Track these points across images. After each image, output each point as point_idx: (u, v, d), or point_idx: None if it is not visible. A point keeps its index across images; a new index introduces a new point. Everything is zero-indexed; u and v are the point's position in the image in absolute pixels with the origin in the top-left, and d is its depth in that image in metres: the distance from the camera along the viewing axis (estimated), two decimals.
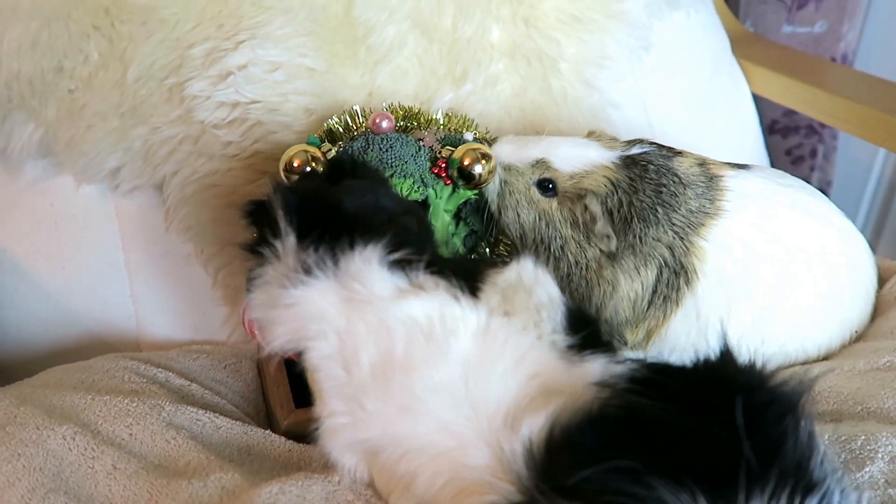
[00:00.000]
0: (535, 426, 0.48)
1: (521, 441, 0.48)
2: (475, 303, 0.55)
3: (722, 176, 0.75)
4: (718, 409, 0.44)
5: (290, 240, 0.59)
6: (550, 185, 0.74)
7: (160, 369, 0.75)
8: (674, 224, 0.72)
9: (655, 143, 0.76)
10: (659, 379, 0.48)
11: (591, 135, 0.78)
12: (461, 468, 0.51)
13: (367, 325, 0.55)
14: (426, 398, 0.52)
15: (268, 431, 0.69)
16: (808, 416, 0.46)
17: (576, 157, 0.74)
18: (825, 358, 0.76)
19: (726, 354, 0.50)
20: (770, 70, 1.17)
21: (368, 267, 0.56)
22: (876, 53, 1.41)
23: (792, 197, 0.76)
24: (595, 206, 0.71)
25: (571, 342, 0.54)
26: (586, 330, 0.55)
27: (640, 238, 0.71)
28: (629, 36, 1.03)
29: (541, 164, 0.74)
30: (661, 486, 0.41)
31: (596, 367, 0.52)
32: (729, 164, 0.78)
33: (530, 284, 0.56)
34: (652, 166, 0.73)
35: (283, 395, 0.74)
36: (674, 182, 0.73)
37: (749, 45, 1.24)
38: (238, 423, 0.69)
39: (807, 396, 0.47)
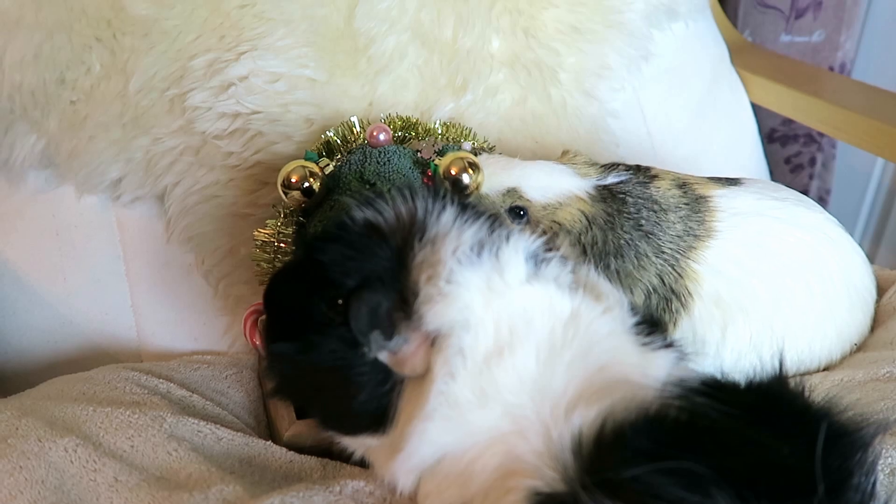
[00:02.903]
0: (587, 417, 0.47)
1: (570, 430, 0.47)
2: (575, 293, 0.56)
3: (709, 196, 0.74)
4: (787, 430, 0.43)
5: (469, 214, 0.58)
6: (522, 213, 0.72)
7: (161, 380, 0.75)
8: (663, 252, 0.71)
9: (631, 169, 0.75)
10: (728, 387, 0.47)
11: (565, 154, 0.77)
12: (515, 448, 0.50)
13: (494, 318, 0.53)
14: (502, 381, 0.51)
15: (269, 443, 0.69)
16: (876, 460, 0.44)
17: (549, 187, 0.71)
18: (825, 369, 0.76)
19: (784, 378, 0.49)
20: (768, 79, 1.17)
21: (515, 257, 0.56)
22: (874, 63, 1.41)
23: (786, 211, 0.75)
24: (565, 248, 0.69)
25: (639, 319, 0.55)
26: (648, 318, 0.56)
27: (618, 272, 0.70)
28: (628, 46, 1.04)
29: (512, 193, 0.72)
30: (722, 497, 0.38)
31: (666, 362, 0.51)
32: (717, 180, 0.77)
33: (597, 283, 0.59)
34: (630, 199, 0.72)
35: (284, 407, 0.74)
36: (654, 210, 0.72)
37: (747, 55, 1.24)
38: (239, 434, 0.69)
39: (880, 440, 0.45)
